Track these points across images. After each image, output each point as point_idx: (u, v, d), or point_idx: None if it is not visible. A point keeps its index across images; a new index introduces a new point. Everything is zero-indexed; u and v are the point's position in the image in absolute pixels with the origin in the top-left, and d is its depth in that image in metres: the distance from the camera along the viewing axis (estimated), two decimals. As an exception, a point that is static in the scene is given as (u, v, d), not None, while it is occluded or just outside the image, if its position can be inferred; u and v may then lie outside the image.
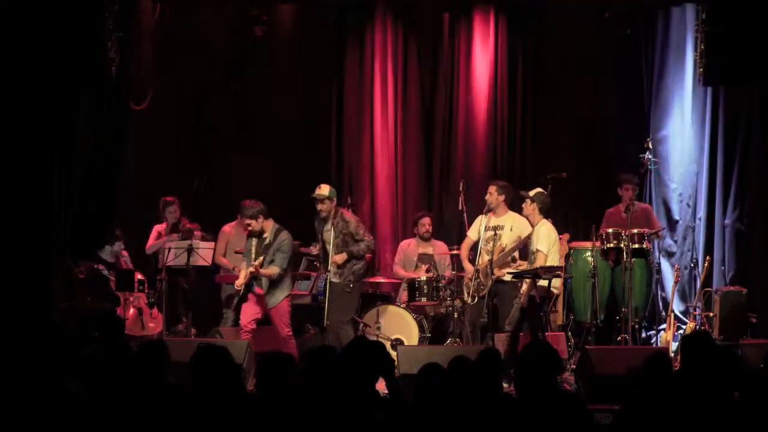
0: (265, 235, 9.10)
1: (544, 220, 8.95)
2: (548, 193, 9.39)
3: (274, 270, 9.02)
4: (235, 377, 4.62)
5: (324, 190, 9.39)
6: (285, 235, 9.15)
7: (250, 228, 9.10)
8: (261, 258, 8.97)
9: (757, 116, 10.64)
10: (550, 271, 8.69)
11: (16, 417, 4.27)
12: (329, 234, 9.38)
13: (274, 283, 9.07)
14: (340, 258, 9.35)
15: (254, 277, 9.05)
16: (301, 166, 11.63)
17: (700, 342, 4.92)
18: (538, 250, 8.77)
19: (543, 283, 8.66)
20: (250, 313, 9.13)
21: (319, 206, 9.38)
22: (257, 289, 9.10)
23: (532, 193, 9.01)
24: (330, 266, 9.33)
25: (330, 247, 9.35)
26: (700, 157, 11.14)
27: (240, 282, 9.10)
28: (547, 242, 8.79)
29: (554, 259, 8.85)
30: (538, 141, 11.65)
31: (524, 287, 8.75)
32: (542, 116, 11.66)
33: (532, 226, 8.95)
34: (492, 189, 9.36)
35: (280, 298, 9.11)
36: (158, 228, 10.76)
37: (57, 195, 8.93)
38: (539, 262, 8.72)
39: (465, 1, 11.65)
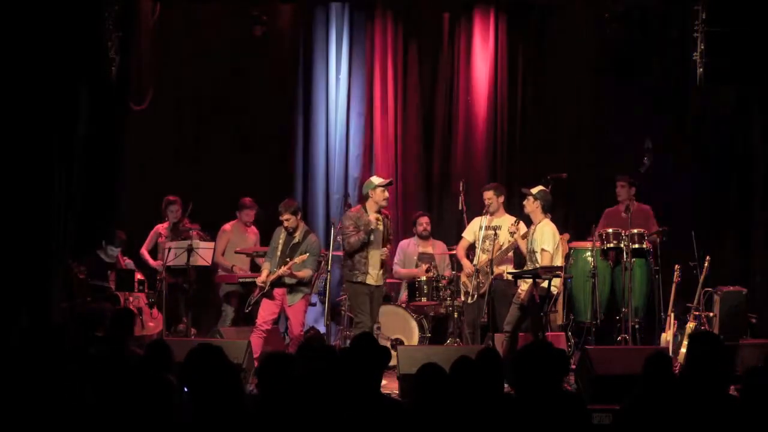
0: (295, 234, 9.12)
1: (547, 219, 8.95)
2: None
3: (306, 273, 9.05)
4: (231, 377, 4.60)
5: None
6: (314, 238, 9.21)
7: (287, 223, 9.08)
8: (300, 257, 8.94)
9: (757, 116, 10.63)
10: (550, 271, 8.70)
11: (15, 418, 4.28)
12: (380, 232, 9.13)
13: (297, 282, 9.08)
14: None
15: (279, 277, 9.05)
16: (300, 165, 11.66)
17: (707, 342, 4.91)
18: (543, 250, 8.77)
19: (543, 283, 8.66)
20: (267, 312, 9.12)
21: (387, 194, 9.17)
22: (276, 289, 9.10)
23: (534, 191, 9.01)
24: (378, 266, 9.10)
25: (380, 246, 9.11)
26: (700, 157, 11.13)
27: (262, 279, 9.11)
28: (553, 242, 8.80)
29: (558, 259, 8.86)
30: (538, 141, 11.64)
31: (524, 286, 8.75)
32: (542, 116, 11.66)
33: (534, 224, 8.95)
34: (490, 194, 9.40)
35: (298, 297, 9.12)
36: (159, 227, 10.78)
37: (57, 195, 8.92)
38: (545, 261, 8.72)
39: (465, 0, 11.64)
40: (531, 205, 8.95)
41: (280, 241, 9.18)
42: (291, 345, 9.05)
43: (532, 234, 8.92)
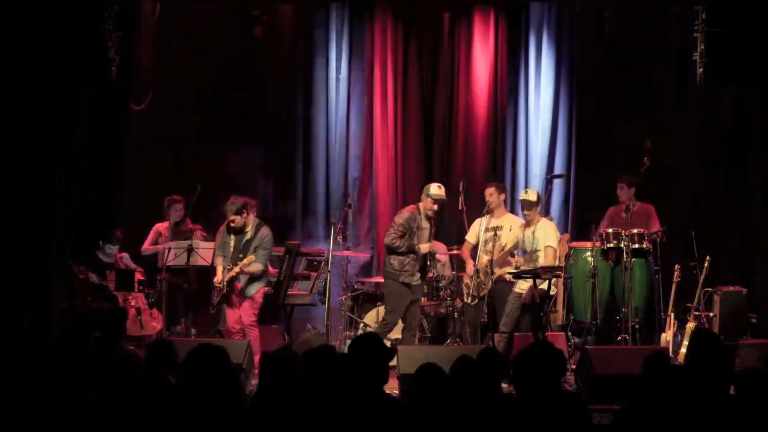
0: (246, 230, 9.09)
1: (546, 219, 9.07)
2: (548, 193, 9.49)
3: (257, 267, 9.02)
4: (232, 377, 4.59)
5: (444, 191, 9.34)
6: (266, 231, 9.14)
7: (233, 224, 9.08)
8: (246, 259, 8.96)
9: (757, 116, 10.63)
10: (550, 271, 8.73)
11: (16, 418, 4.28)
12: (426, 233, 9.32)
13: (250, 277, 9.07)
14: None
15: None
16: (300, 165, 11.67)
17: (707, 341, 4.93)
18: (548, 246, 8.95)
19: (543, 285, 8.71)
20: (234, 315, 9.15)
21: (437, 207, 9.29)
22: (236, 284, 9.10)
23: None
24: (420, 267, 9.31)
25: (427, 247, 9.33)
26: (701, 157, 11.14)
27: (219, 279, 9.10)
28: (556, 238, 9.04)
29: (554, 258, 8.97)
30: (538, 141, 11.63)
31: (524, 285, 8.82)
32: (542, 116, 11.64)
33: (532, 224, 9.04)
34: (492, 190, 9.45)
35: (255, 290, 9.12)
36: (158, 227, 10.74)
37: (57, 195, 8.92)
38: (548, 258, 8.89)
39: (465, 0, 11.64)
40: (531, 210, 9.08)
41: (232, 238, 9.16)
42: (244, 334, 9.03)
43: (533, 233, 8.97)
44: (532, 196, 9.13)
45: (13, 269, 8.56)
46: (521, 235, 9.16)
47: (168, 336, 9.85)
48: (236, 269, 8.95)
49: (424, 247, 9.19)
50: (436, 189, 9.24)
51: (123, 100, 10.65)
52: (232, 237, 9.14)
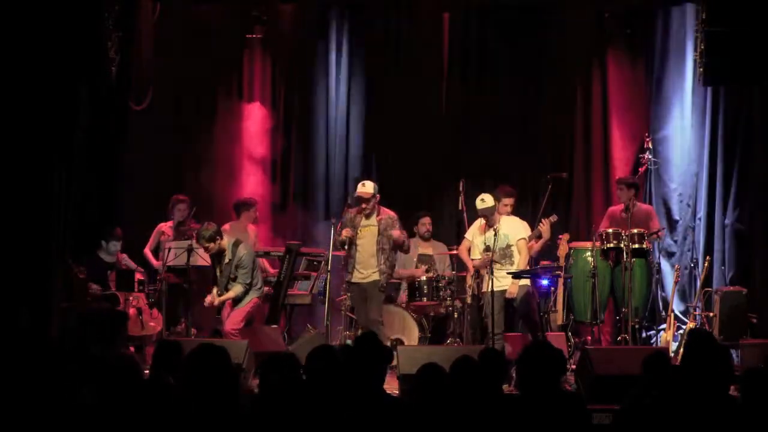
0: (225, 253, 9.09)
1: (505, 216, 9.24)
2: (548, 193, 9.54)
3: (237, 290, 9.05)
4: (232, 378, 4.59)
5: (369, 187, 9.22)
6: (243, 249, 9.11)
7: (208, 251, 9.10)
8: (226, 296, 9.07)
9: (757, 116, 10.64)
10: (549, 271, 8.74)
11: (15, 418, 4.29)
12: (370, 230, 9.26)
13: (239, 295, 9.13)
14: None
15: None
16: (300, 166, 11.67)
17: (703, 340, 4.93)
18: (521, 239, 9.02)
19: (521, 282, 8.84)
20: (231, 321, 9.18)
21: (365, 205, 9.20)
22: (227, 303, 9.18)
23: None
24: (368, 265, 9.23)
25: (371, 244, 9.23)
26: (700, 157, 11.15)
27: (208, 303, 9.21)
28: (525, 230, 9.13)
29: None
30: (538, 141, 11.64)
31: (506, 282, 8.88)
32: (542, 116, 11.65)
33: (495, 222, 9.07)
34: (509, 201, 9.44)
35: (248, 299, 9.15)
36: (162, 226, 10.74)
37: (57, 195, 8.92)
38: (524, 251, 8.98)
39: (465, 1, 11.64)
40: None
41: (218, 271, 9.22)
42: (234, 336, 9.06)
43: (497, 231, 8.96)
44: (489, 202, 9.11)
45: (13, 269, 8.56)
46: (482, 237, 9.09)
47: (168, 336, 9.86)
48: (216, 301, 9.09)
49: (342, 233, 9.20)
50: (358, 186, 9.32)
51: (123, 100, 10.65)
52: (218, 270, 9.20)
